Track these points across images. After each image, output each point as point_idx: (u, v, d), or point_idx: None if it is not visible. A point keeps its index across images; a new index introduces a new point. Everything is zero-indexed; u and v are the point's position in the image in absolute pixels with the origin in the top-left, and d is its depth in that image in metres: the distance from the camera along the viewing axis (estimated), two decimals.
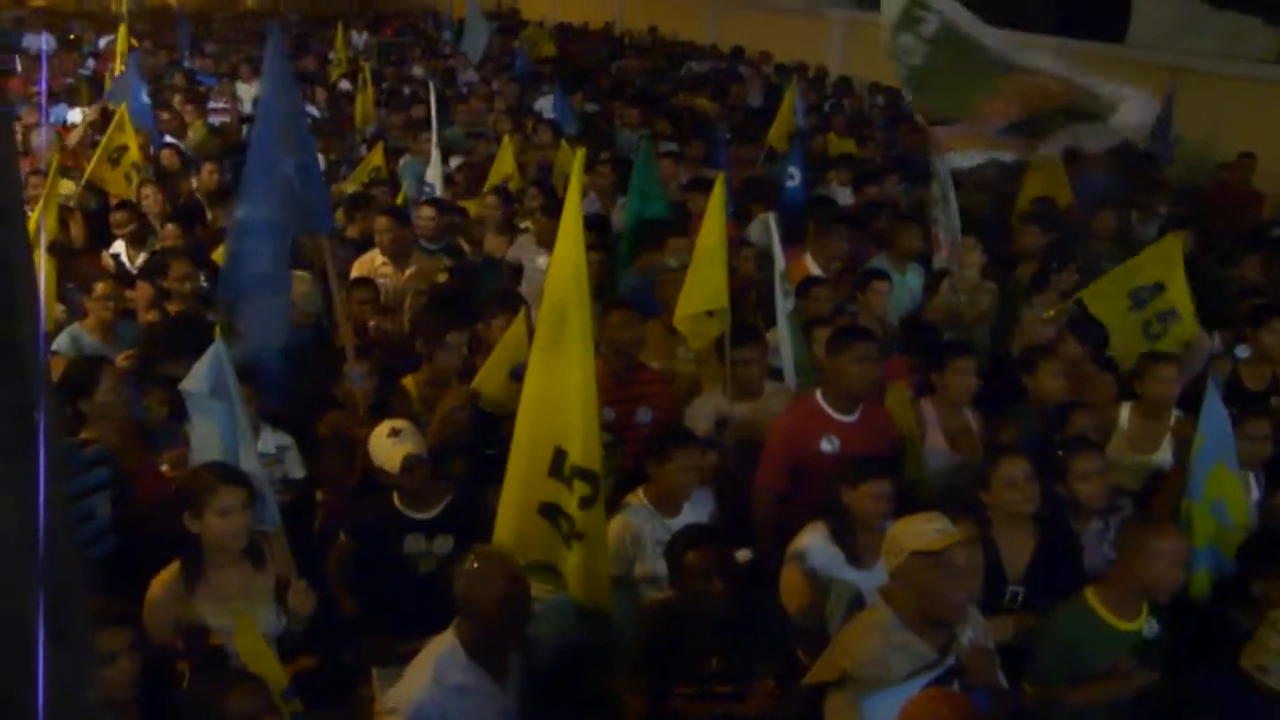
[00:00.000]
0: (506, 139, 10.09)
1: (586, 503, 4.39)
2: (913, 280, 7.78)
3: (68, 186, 9.54)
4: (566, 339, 4.41)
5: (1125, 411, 5.89)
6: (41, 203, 6.68)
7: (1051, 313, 6.89)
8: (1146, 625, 4.29)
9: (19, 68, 17.24)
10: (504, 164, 9.85)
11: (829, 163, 11.16)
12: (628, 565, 4.82)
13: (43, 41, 20.06)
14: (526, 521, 4.52)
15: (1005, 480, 4.71)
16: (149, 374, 5.65)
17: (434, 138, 9.77)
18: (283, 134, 5.44)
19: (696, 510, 4.96)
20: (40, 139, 11.37)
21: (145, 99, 12.04)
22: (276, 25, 6.26)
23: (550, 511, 4.48)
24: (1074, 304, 6.89)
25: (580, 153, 4.89)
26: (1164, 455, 5.77)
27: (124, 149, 9.88)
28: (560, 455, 4.41)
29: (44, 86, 13.76)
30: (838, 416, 5.36)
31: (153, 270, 7.26)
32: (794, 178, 9.41)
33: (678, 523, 4.78)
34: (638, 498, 4.96)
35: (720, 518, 5.15)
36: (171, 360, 5.37)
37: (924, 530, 3.84)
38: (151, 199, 8.98)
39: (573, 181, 4.57)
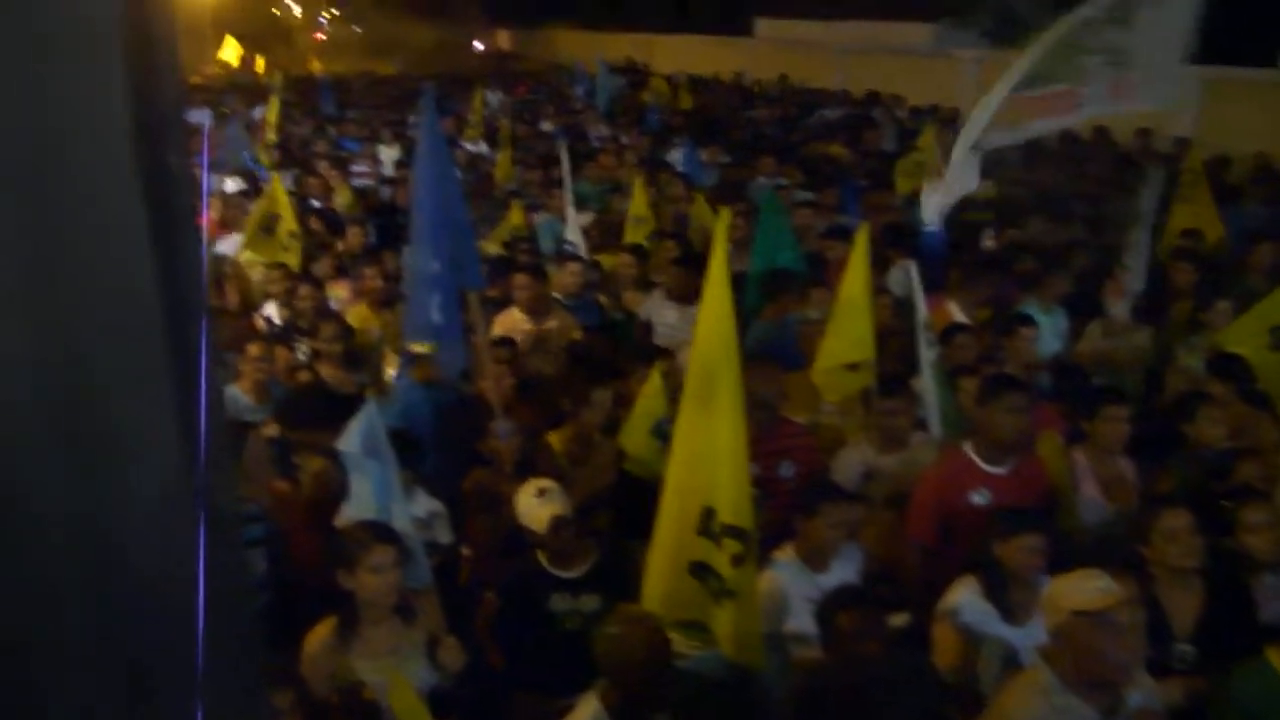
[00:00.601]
0: (638, 183, 10.11)
1: (738, 560, 4.37)
2: (1059, 323, 7.56)
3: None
4: (717, 398, 4.41)
5: None
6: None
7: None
8: None
9: None
10: (638, 207, 9.84)
11: (966, 205, 10.98)
12: (777, 622, 4.76)
13: (202, 116, 21.11)
14: (676, 581, 4.51)
15: (1166, 533, 4.53)
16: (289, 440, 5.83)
17: (567, 194, 9.90)
18: (440, 193, 5.62)
19: (845, 565, 4.88)
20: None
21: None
22: (431, 89, 6.46)
23: (700, 571, 4.47)
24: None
25: (724, 211, 4.91)
26: None
27: (277, 218, 10.06)
28: (709, 514, 4.40)
29: (204, 160, 14.37)
30: (988, 468, 5.24)
31: (289, 335, 7.54)
32: (932, 223, 9.25)
33: (826, 579, 4.72)
34: (786, 554, 4.90)
35: (870, 572, 5.06)
36: (298, 429, 5.53)
37: (1084, 588, 3.71)
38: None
39: (717, 238, 4.56)
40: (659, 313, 7.97)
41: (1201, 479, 5.45)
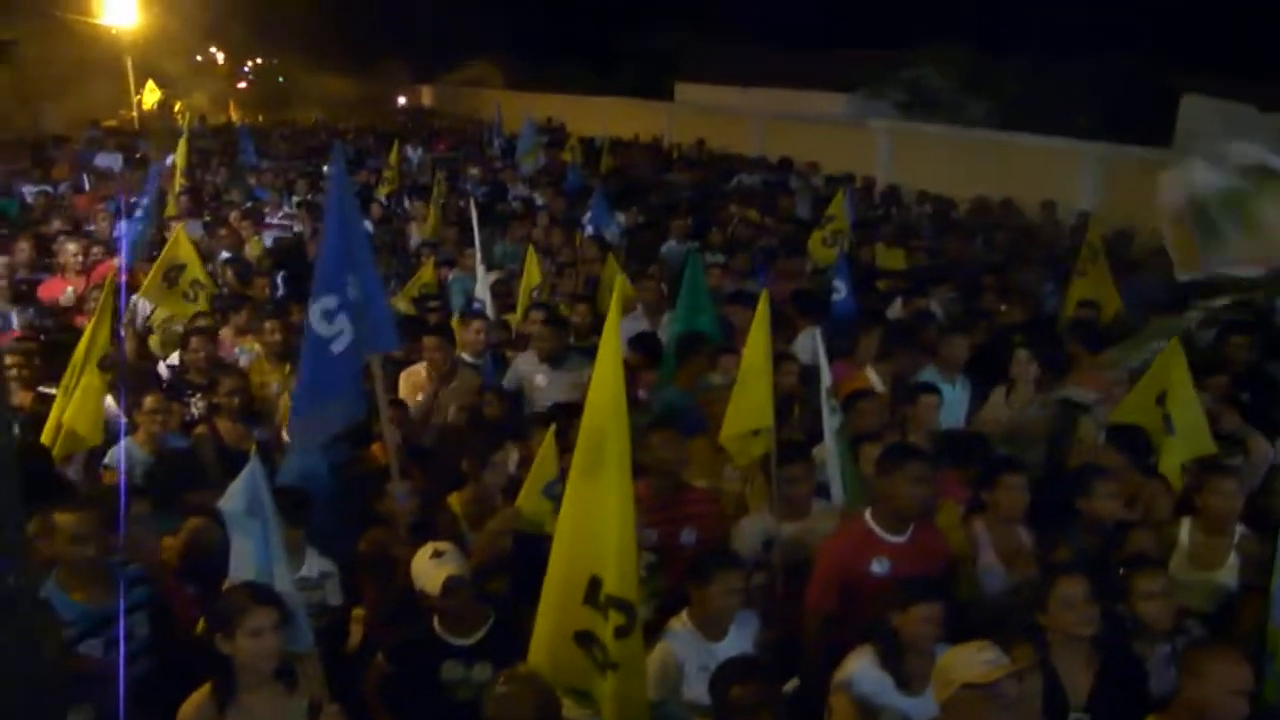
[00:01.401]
0: (531, 250, 10.07)
1: (621, 632, 4.30)
2: (961, 392, 7.65)
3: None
4: (604, 466, 4.35)
5: (1185, 527, 5.68)
6: (95, 317, 6.76)
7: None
8: None
9: (87, 185, 17.73)
10: (531, 276, 9.78)
11: (876, 274, 11.16)
12: (672, 691, 4.69)
13: (114, 160, 20.75)
14: (561, 648, 4.44)
15: (1063, 601, 4.54)
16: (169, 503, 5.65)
17: (478, 253, 9.84)
18: (348, 249, 5.49)
19: (742, 633, 4.83)
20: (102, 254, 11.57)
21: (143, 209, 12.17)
22: (340, 143, 6.34)
23: (585, 639, 4.39)
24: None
25: (620, 278, 4.88)
26: (1229, 573, 5.54)
27: (182, 267, 9.85)
28: (596, 583, 4.33)
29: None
30: (888, 537, 5.24)
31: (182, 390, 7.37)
32: (840, 291, 9.37)
33: (722, 647, 4.67)
34: (681, 621, 4.84)
35: (767, 640, 5.01)
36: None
37: (974, 660, 3.71)
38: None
39: (613, 303, 4.53)
40: (529, 374, 7.91)
41: (1098, 548, 5.50)
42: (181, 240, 9.93)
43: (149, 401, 6.58)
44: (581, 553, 4.41)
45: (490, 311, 9.19)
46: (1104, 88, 22.58)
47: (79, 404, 6.24)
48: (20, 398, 7.03)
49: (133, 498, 5.28)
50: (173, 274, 9.74)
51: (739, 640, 4.78)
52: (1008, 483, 5.59)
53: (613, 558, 4.32)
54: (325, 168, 20.60)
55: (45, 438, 6.25)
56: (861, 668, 4.55)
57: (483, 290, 9.45)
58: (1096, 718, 4.49)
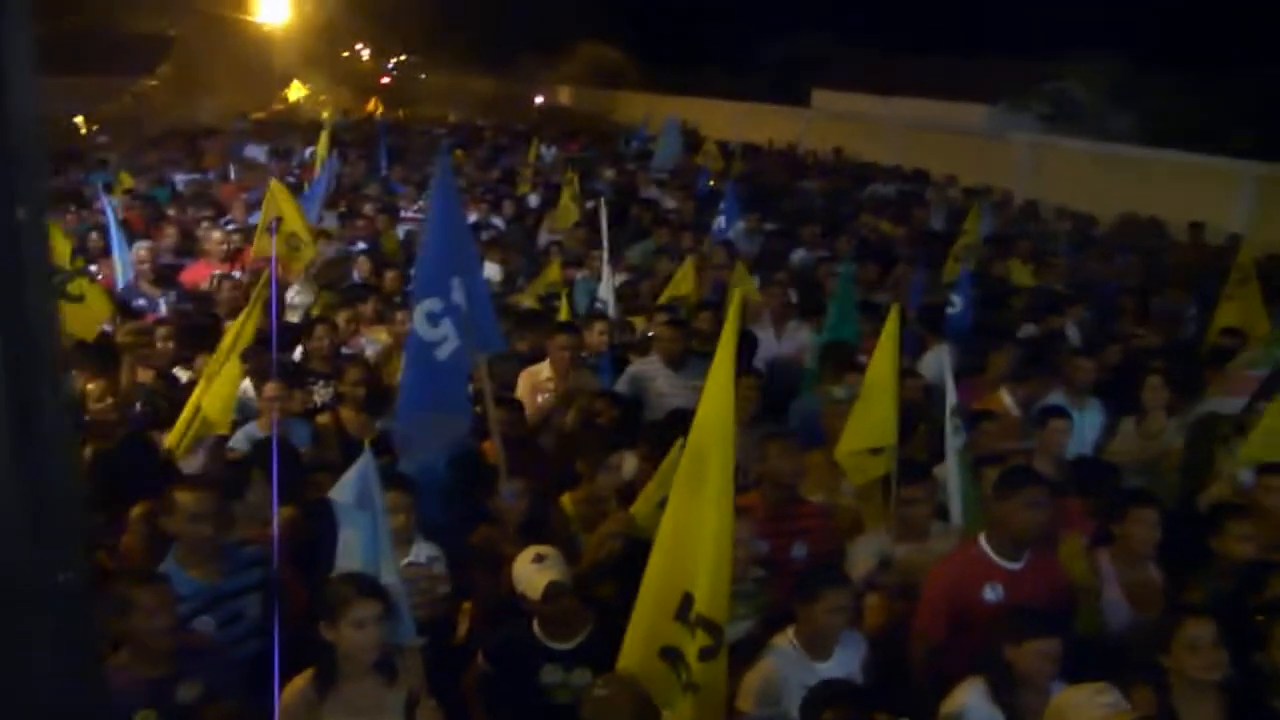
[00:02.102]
0: (689, 260, 10.05)
1: (706, 654, 4.21)
2: (1092, 419, 7.36)
3: None
4: (707, 481, 4.27)
5: None
6: (248, 307, 6.92)
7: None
8: None
9: (233, 176, 18.36)
10: (684, 283, 9.73)
11: (1008, 291, 10.84)
12: (771, 708, 4.59)
13: (260, 153, 21.46)
14: (648, 661, 4.36)
15: (1189, 643, 4.32)
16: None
17: (605, 253, 9.85)
18: (452, 252, 5.50)
19: (848, 655, 4.71)
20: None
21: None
22: (447, 142, 6.38)
23: (671, 655, 4.32)
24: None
25: (737, 289, 4.79)
26: None
27: (279, 219, 10.24)
28: (688, 600, 4.25)
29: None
30: (1003, 563, 5.05)
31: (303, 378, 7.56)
32: (955, 305, 9.14)
33: (826, 667, 4.55)
34: (786, 638, 4.73)
35: (877, 666, 4.88)
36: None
37: (1091, 704, 3.55)
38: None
39: (730, 312, 4.45)
40: (651, 377, 7.80)
41: (1234, 591, 5.22)
42: (279, 195, 10.36)
43: (269, 388, 6.72)
44: (678, 566, 4.33)
45: (612, 313, 9.17)
46: (1263, 104, 21.62)
47: (215, 391, 6.41)
48: (142, 376, 7.22)
49: (250, 480, 5.39)
50: (271, 224, 10.12)
51: (844, 661, 4.65)
52: (1137, 515, 5.35)
53: (706, 577, 4.22)
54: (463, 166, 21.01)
55: (182, 419, 6.43)
56: (972, 700, 4.38)
57: (606, 292, 9.43)
58: None
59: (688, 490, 4.37)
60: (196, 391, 6.48)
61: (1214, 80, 23.47)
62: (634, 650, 4.41)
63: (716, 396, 4.33)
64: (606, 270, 9.66)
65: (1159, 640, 4.46)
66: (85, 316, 7.43)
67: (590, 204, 13.47)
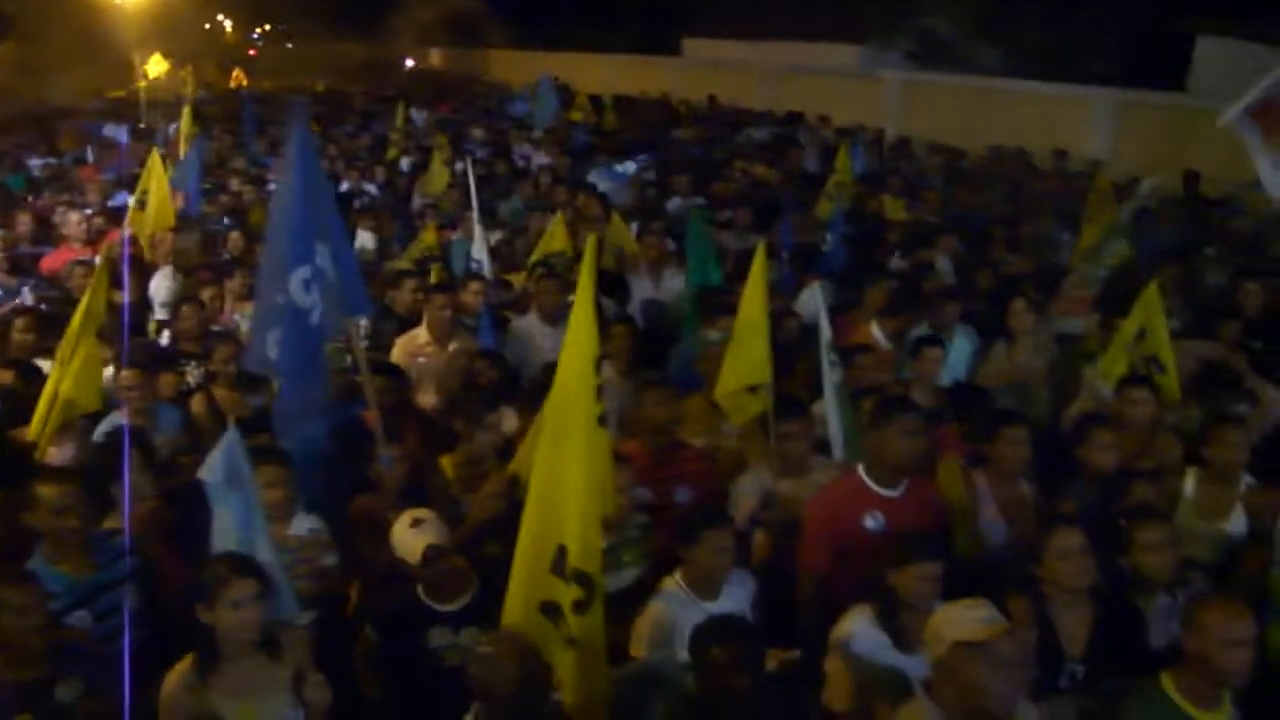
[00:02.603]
0: (559, 215, 9.97)
1: (580, 607, 4.20)
2: (962, 345, 7.52)
3: None
4: (572, 432, 4.24)
5: (1190, 479, 5.58)
6: (91, 287, 6.69)
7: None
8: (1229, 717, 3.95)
9: (91, 157, 17.68)
10: (555, 239, 9.59)
11: (882, 227, 11.00)
12: (665, 651, 4.62)
13: (120, 133, 20.67)
14: (529, 617, 4.32)
15: (1059, 552, 4.45)
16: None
17: (474, 213, 9.75)
18: (314, 220, 5.34)
19: (736, 594, 4.76)
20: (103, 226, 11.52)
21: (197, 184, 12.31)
22: (302, 107, 6.19)
23: (550, 610, 4.29)
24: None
25: (591, 235, 4.75)
26: (1235, 524, 5.44)
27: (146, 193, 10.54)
28: (562, 552, 4.23)
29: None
30: (881, 491, 5.14)
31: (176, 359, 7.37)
32: (828, 243, 9.26)
33: (715, 607, 4.58)
34: (674, 581, 4.76)
35: (764, 601, 4.93)
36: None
37: (967, 619, 3.62)
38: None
39: (584, 265, 4.40)
40: (531, 334, 7.78)
41: (1099, 500, 5.40)
42: (154, 164, 10.49)
43: (125, 376, 6.50)
44: (549, 519, 4.29)
45: (488, 272, 9.07)
46: (1121, 34, 22.18)
47: (77, 374, 6.18)
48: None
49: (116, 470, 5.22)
50: (144, 197, 10.38)
51: (733, 600, 4.69)
52: (1008, 435, 5.49)
53: (576, 528, 4.19)
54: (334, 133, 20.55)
55: (40, 409, 6.19)
56: (859, 627, 4.46)
57: (479, 251, 9.33)
58: (1093, 669, 4.40)
59: (553, 441, 4.34)
60: (52, 378, 6.24)
61: (1075, 11, 23.97)
62: (515, 607, 4.37)
63: (576, 344, 4.29)
64: (478, 230, 9.55)
65: (1031, 552, 4.59)
66: None
67: (460, 165, 13.27)
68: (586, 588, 4.19)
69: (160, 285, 9.12)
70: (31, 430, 6.15)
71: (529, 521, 4.38)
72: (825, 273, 8.86)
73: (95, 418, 6.43)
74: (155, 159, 10.81)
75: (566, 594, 4.21)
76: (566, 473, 4.23)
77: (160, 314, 9.03)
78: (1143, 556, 4.63)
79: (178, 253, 9.84)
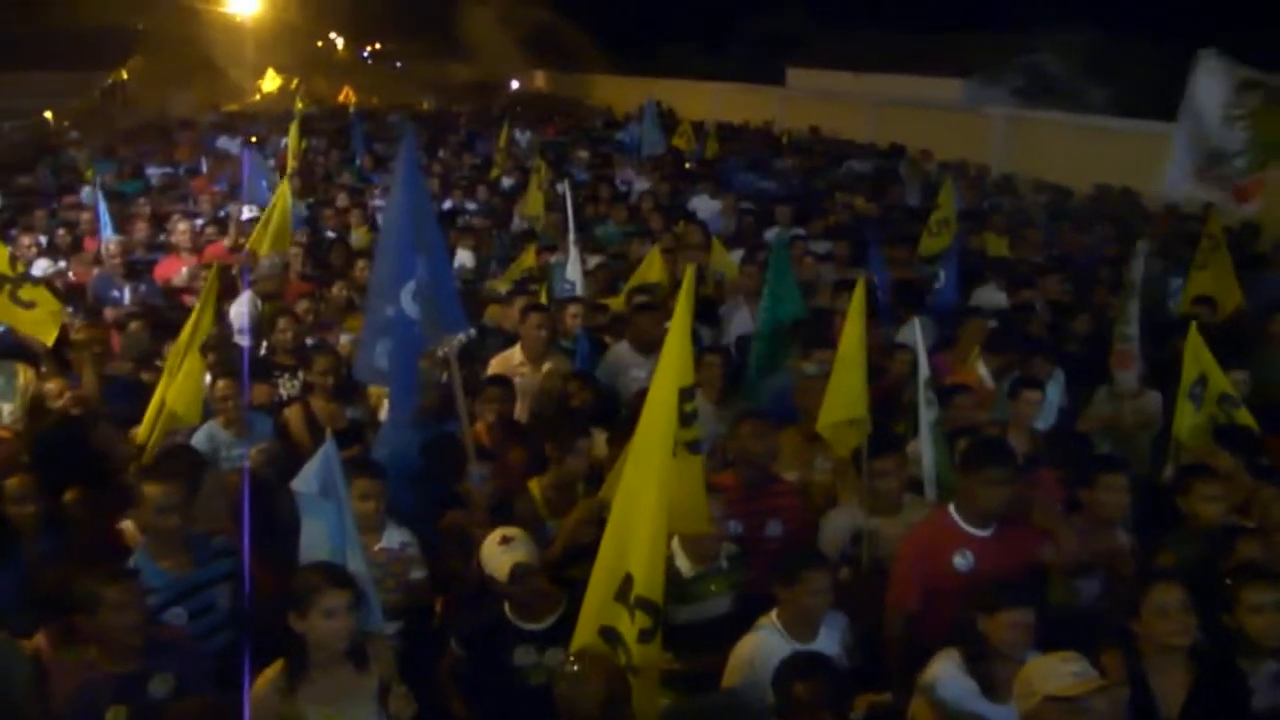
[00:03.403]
0: (657, 245, 9.95)
1: (645, 636, 4.20)
2: (1053, 389, 7.36)
3: None
4: (650, 460, 4.25)
5: None
6: (200, 300, 6.88)
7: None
8: None
9: (205, 169, 18.23)
10: (653, 270, 9.62)
11: (986, 264, 10.83)
12: (750, 687, 4.58)
13: (233, 145, 21.30)
14: (591, 643, 4.33)
15: (1157, 608, 4.31)
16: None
17: (572, 235, 9.85)
18: (416, 235, 5.44)
19: (830, 635, 4.71)
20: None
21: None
22: (411, 126, 6.32)
23: (610, 636, 4.29)
24: None
25: (689, 267, 4.76)
26: None
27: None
28: (628, 581, 4.23)
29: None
30: (971, 530, 5.06)
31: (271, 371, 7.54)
32: (941, 281, 9.11)
33: (811, 649, 4.53)
34: (769, 620, 4.71)
35: (853, 639, 4.87)
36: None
37: (1060, 672, 3.54)
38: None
39: (683, 293, 4.40)
40: (626, 365, 7.74)
41: (1203, 555, 5.23)
42: (284, 196, 10.68)
43: (220, 386, 6.68)
44: (622, 547, 4.30)
45: (580, 292, 9.11)
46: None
47: (180, 386, 6.37)
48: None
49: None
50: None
51: (827, 642, 4.65)
52: (1106, 482, 5.36)
53: (644, 556, 4.20)
54: (439, 152, 20.89)
55: (148, 417, 6.38)
56: (946, 671, 4.38)
57: (574, 273, 9.37)
58: None
59: (635, 470, 4.35)
60: (160, 387, 6.43)
61: (1187, 51, 23.43)
62: (583, 631, 4.39)
63: (668, 371, 4.31)
64: (573, 251, 9.60)
65: (1128, 606, 4.46)
66: (40, 320, 7.39)
67: (559, 186, 13.38)
68: (653, 616, 4.19)
69: (239, 311, 9.26)
70: (140, 434, 6.34)
71: (605, 547, 4.40)
72: (936, 310, 8.72)
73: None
74: (286, 186, 11.11)
75: (630, 623, 4.21)
76: (641, 500, 4.24)
77: (239, 340, 9.16)
78: (1249, 618, 4.44)
79: (258, 279, 10.01)
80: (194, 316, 6.71)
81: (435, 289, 5.47)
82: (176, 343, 6.68)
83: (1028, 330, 8.08)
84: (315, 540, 4.41)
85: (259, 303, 9.08)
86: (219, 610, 4.91)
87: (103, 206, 10.96)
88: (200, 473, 5.40)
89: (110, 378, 7.25)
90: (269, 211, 10.78)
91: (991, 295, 9.70)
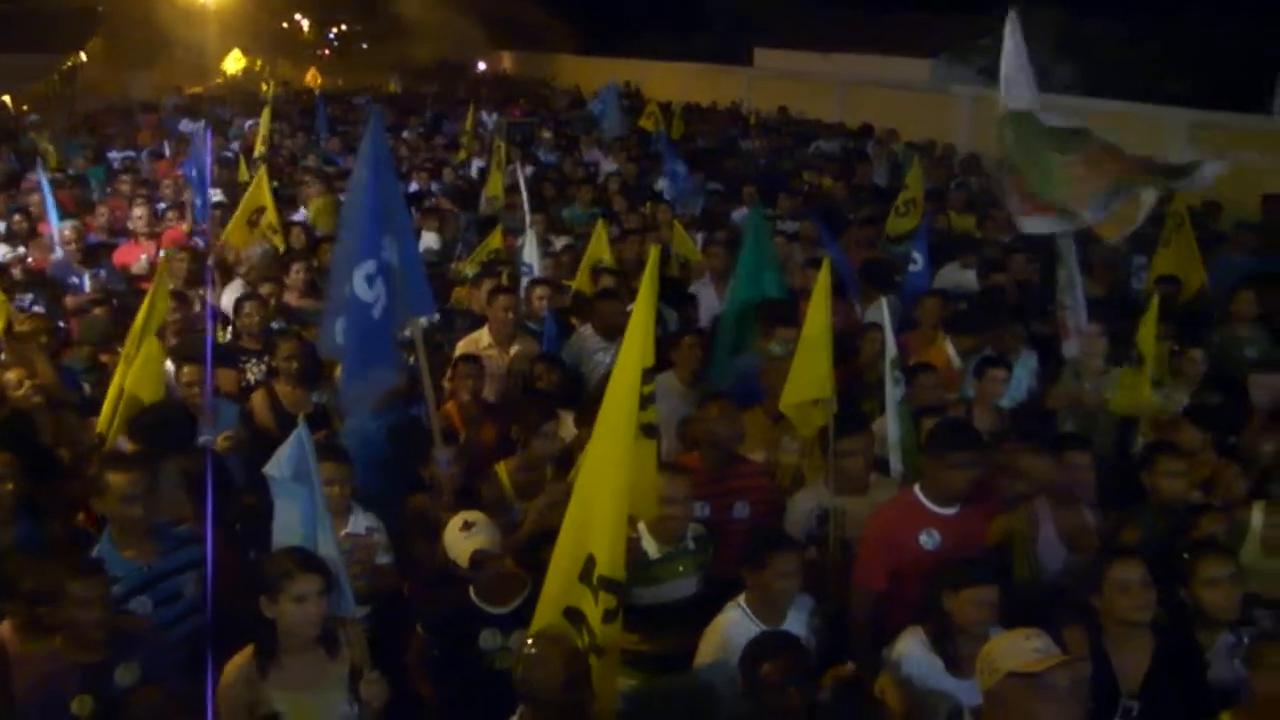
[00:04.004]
0: (601, 225, 9.82)
1: (609, 616, 4.20)
2: (1023, 367, 7.42)
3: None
4: (611, 442, 4.25)
5: (1258, 512, 5.43)
6: (154, 285, 6.81)
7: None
8: None
9: (167, 151, 18.02)
10: (598, 249, 9.49)
11: (954, 244, 10.86)
12: (719, 669, 4.59)
13: (196, 128, 21.04)
14: (555, 623, 4.32)
15: (1118, 585, 4.34)
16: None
17: (527, 218, 9.78)
18: (384, 212, 5.39)
19: (798, 618, 4.72)
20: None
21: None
22: (378, 108, 6.24)
23: (575, 617, 4.29)
24: None
25: (653, 248, 4.75)
26: None
27: (262, 210, 10.37)
28: (591, 562, 4.22)
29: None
30: (937, 509, 5.08)
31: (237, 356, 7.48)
32: (917, 263, 9.13)
33: (776, 630, 4.55)
34: (737, 604, 4.72)
35: (822, 619, 4.89)
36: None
37: (1021, 648, 3.56)
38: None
39: (646, 275, 4.40)
40: (592, 350, 7.71)
41: (1166, 531, 5.29)
42: (263, 184, 10.38)
43: (185, 373, 6.65)
44: (583, 527, 4.30)
45: (539, 274, 9.05)
46: (1197, 52, 21.77)
47: (139, 372, 6.31)
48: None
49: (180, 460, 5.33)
50: (255, 217, 10.15)
51: (795, 625, 4.65)
52: (1072, 459, 5.40)
53: (605, 536, 4.19)
54: (404, 134, 20.75)
55: (107, 404, 6.33)
56: (911, 648, 4.42)
57: (530, 255, 9.32)
58: (1149, 706, 4.31)
59: (597, 450, 4.36)
60: (118, 373, 6.37)
61: (1149, 29, 23.59)
62: (544, 611, 4.38)
63: (631, 353, 4.30)
64: (530, 234, 9.56)
65: (1090, 582, 4.50)
66: None
67: (511, 168, 13.27)
68: (617, 595, 4.19)
69: (230, 299, 9.16)
70: (100, 423, 6.28)
71: (567, 528, 4.39)
72: (909, 292, 8.74)
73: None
74: (263, 177, 10.83)
75: (594, 603, 4.21)
76: (603, 480, 4.24)
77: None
78: (1204, 592, 4.51)
79: (249, 267, 9.93)
80: (148, 301, 6.65)
81: (404, 271, 5.42)
82: (132, 328, 6.61)
83: (998, 311, 8.06)
84: (287, 525, 4.38)
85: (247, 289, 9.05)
86: (185, 598, 4.86)
87: (48, 191, 10.77)
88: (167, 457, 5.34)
89: (63, 367, 7.17)
90: (254, 209, 10.47)
91: (956, 274, 9.76)
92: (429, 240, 11.35)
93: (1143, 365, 6.38)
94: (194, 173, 11.70)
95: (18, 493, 5.24)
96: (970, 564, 4.54)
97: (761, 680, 3.93)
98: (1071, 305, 7.07)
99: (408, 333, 5.86)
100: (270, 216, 10.44)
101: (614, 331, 7.39)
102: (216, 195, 12.55)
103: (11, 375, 6.38)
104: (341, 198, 13.26)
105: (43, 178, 11.62)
